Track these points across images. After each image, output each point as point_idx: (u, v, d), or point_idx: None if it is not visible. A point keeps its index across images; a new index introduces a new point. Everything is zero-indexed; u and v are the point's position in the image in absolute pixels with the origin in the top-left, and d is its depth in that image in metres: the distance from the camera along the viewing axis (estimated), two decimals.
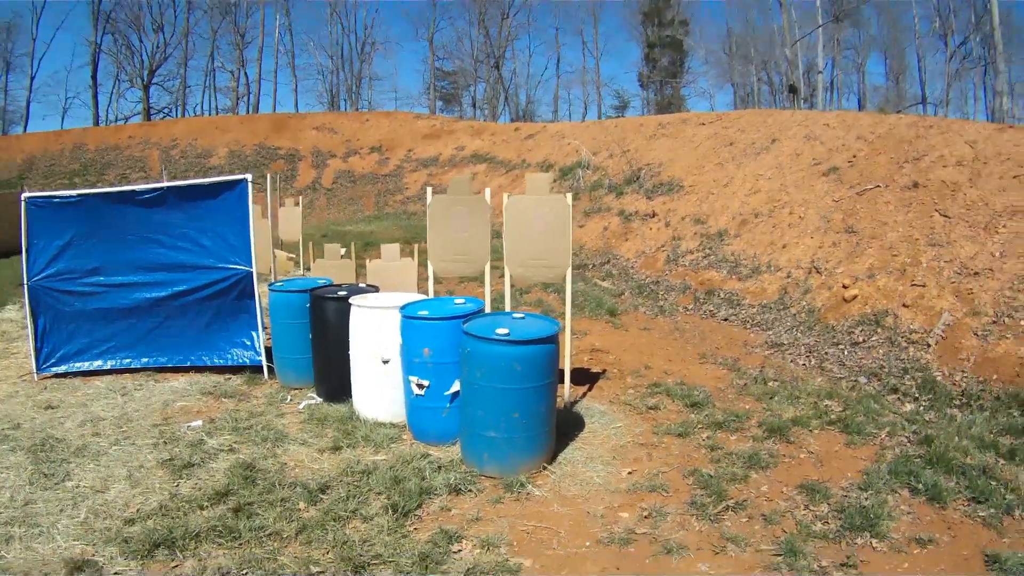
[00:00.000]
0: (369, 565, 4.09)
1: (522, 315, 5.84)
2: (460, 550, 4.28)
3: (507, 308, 6.99)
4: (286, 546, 4.29)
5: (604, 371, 7.97)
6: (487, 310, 6.54)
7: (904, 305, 8.26)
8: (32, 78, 50.03)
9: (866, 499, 4.87)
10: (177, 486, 5.09)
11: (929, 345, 7.56)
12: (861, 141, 12.30)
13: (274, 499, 4.81)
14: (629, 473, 5.37)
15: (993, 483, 5.03)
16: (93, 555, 4.19)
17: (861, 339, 8.26)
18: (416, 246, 8.42)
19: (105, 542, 4.32)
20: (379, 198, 30.58)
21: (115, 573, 4.05)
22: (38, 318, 7.73)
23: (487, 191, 7.18)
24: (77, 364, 7.80)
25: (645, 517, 4.70)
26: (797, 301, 9.81)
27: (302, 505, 4.77)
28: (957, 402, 6.67)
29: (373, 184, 31.97)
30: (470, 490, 5.03)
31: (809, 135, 13.87)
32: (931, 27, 46.88)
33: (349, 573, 4.01)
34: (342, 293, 6.78)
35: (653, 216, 15.02)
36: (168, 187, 7.60)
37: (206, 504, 4.77)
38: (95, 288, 7.68)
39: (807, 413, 6.48)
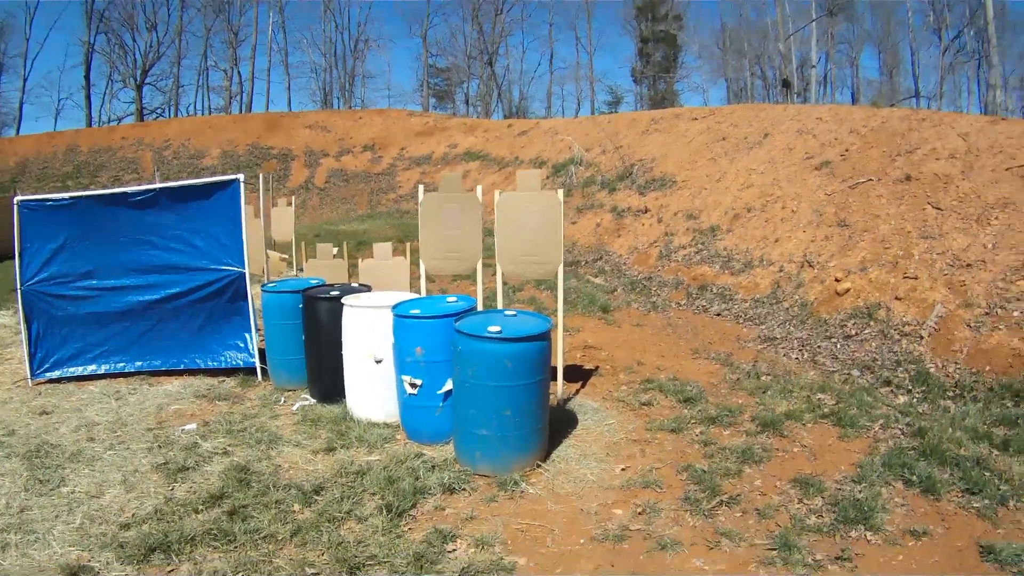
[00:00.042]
0: (364, 566, 4.09)
1: (514, 312, 5.84)
2: (455, 549, 4.28)
3: (499, 306, 6.99)
4: (281, 548, 4.28)
5: (597, 368, 7.98)
6: (479, 308, 6.54)
7: (897, 298, 8.28)
8: (25, 79, 49.90)
9: (860, 492, 4.88)
10: (172, 490, 5.08)
11: (922, 337, 7.58)
12: (854, 135, 12.32)
13: (269, 501, 4.80)
14: (623, 470, 5.37)
15: (987, 474, 5.05)
16: (89, 561, 4.18)
17: (854, 332, 8.28)
18: (409, 245, 8.41)
19: (101, 547, 4.31)
20: (372, 197, 30.54)
21: None
22: (32, 323, 7.70)
23: (479, 188, 7.18)
24: (71, 369, 7.78)
25: (639, 513, 4.71)
26: (790, 295, 9.82)
27: (297, 507, 4.77)
28: (950, 394, 6.69)
29: (366, 183, 31.93)
30: (464, 489, 5.03)
31: (802, 129, 13.89)
32: (925, 21, 47.05)
33: (344, 574, 4.00)
34: (334, 293, 6.76)
35: (646, 212, 15.03)
36: (160, 188, 7.58)
37: (201, 507, 4.76)
38: (88, 292, 7.66)
39: (800, 407, 6.49)
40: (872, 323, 8.24)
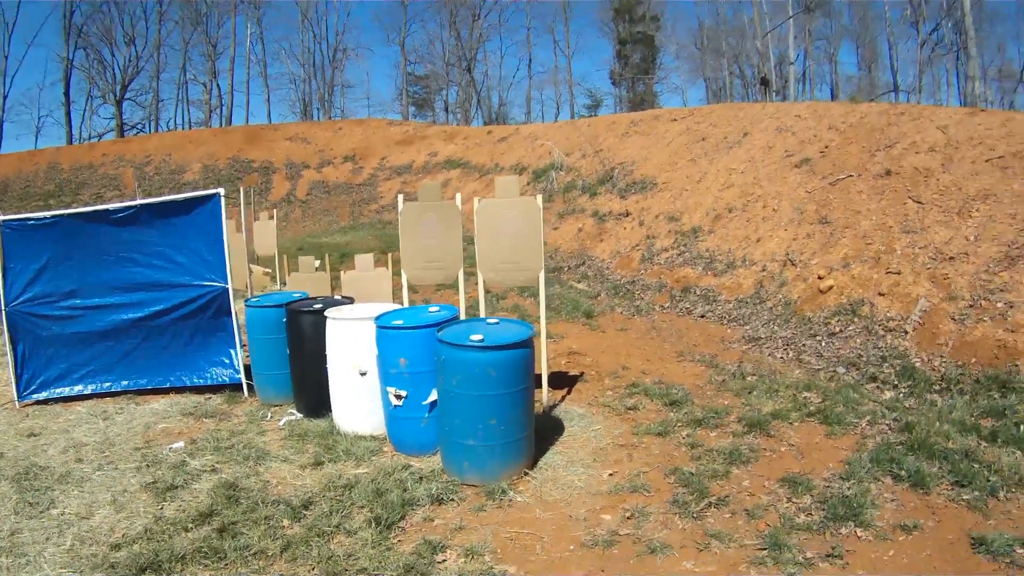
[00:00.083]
0: None
1: (496, 320, 5.85)
2: (444, 560, 4.28)
3: (482, 314, 7.00)
4: (271, 564, 4.27)
5: (582, 374, 7.98)
6: (462, 317, 6.53)
7: (880, 293, 8.32)
8: (5, 97, 49.45)
9: (849, 489, 4.91)
10: (161, 509, 5.06)
11: (907, 332, 7.62)
12: (833, 131, 12.38)
13: (258, 517, 4.78)
14: (610, 475, 5.38)
15: (976, 466, 5.08)
16: None
17: (838, 329, 8.31)
18: (391, 255, 8.41)
19: (92, 568, 4.29)
20: (354, 208, 30.49)
21: None
22: (17, 344, 7.66)
23: (458, 196, 7.18)
24: (58, 390, 7.73)
25: (628, 518, 4.71)
26: (773, 294, 9.85)
27: (286, 522, 4.75)
28: (937, 387, 6.72)
29: (348, 194, 31.88)
30: (452, 499, 5.03)
31: (781, 127, 13.94)
32: (902, 15, 47.33)
33: None
34: (317, 306, 6.74)
35: (627, 215, 15.05)
36: (141, 205, 7.56)
37: (191, 526, 4.74)
38: (72, 311, 7.62)
39: (786, 406, 6.52)
40: (856, 319, 8.28)
